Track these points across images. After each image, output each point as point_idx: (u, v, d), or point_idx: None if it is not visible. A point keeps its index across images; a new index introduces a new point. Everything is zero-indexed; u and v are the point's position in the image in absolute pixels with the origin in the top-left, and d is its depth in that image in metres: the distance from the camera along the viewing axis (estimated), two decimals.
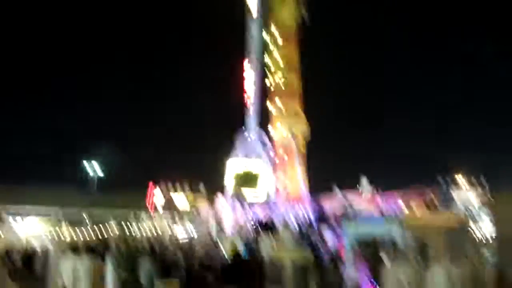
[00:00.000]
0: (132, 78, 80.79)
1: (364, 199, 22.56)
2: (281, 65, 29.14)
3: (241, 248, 14.34)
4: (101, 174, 48.76)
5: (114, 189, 36.57)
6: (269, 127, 30.07)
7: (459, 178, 57.77)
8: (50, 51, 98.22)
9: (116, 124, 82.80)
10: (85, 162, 49.77)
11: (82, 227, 25.07)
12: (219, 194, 26.05)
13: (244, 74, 29.83)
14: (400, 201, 19.18)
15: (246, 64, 29.83)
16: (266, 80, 30.25)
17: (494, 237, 17.81)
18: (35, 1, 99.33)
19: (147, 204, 24.84)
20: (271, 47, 30.02)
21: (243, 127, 28.67)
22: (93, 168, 49.60)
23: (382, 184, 22.56)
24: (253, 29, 30.51)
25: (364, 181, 23.94)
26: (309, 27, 29.92)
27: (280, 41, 29.69)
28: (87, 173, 49.05)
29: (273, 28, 29.74)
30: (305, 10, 29.99)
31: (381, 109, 77.29)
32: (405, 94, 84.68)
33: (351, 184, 25.58)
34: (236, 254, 11.61)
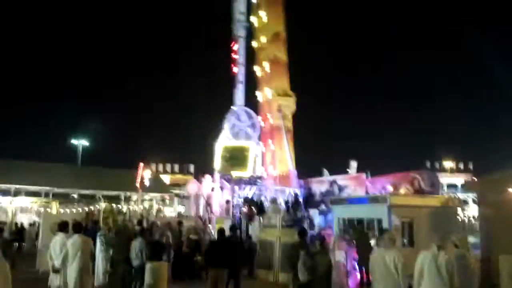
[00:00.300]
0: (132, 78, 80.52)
1: (352, 179, 22.79)
2: (268, 41, 29.13)
3: (228, 228, 14.47)
4: (88, 146, 48.95)
5: (104, 169, 36.58)
6: (258, 107, 30.14)
7: (447, 163, 58.43)
8: (50, 51, 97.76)
9: (107, 107, 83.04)
10: (74, 141, 49.80)
11: (71, 206, 25.12)
12: (208, 175, 26.15)
13: (234, 56, 29.86)
14: (388, 186, 19.43)
15: (235, 47, 29.88)
16: (255, 67, 30.35)
17: (477, 218, 18.23)
18: (35, 1, 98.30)
19: (137, 184, 24.92)
20: (258, 23, 30.06)
21: (232, 107, 28.66)
22: (83, 146, 49.66)
23: (370, 168, 22.76)
24: (241, 7, 30.46)
25: (353, 164, 24.13)
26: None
27: (265, 15, 29.66)
28: (76, 152, 49.14)
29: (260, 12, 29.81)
30: None
31: (375, 94, 77.59)
32: (399, 81, 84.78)
33: (340, 167, 25.92)
34: (220, 233, 11.66)
